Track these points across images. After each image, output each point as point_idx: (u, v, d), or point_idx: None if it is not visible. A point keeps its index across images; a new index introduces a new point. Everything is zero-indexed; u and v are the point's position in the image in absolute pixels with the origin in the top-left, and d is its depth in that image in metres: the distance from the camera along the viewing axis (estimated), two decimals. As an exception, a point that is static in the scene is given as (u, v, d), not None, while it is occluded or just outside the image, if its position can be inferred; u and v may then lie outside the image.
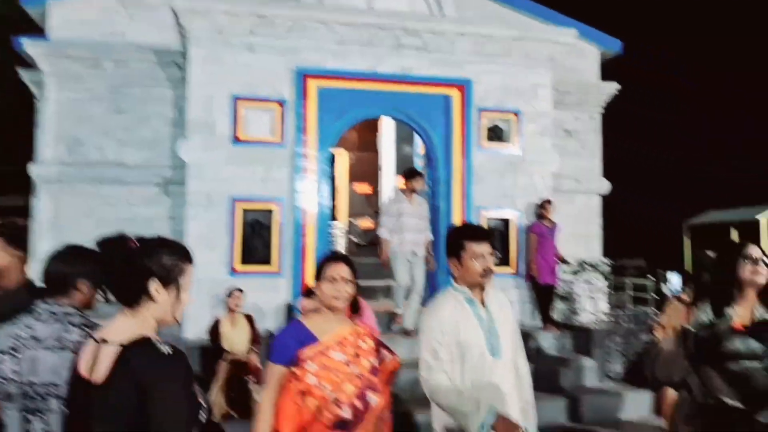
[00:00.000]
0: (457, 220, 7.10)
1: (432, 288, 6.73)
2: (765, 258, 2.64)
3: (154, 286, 1.60)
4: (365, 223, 12.51)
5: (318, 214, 6.95)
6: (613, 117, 9.40)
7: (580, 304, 7.65)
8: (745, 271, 2.61)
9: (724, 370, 1.73)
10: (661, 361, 2.00)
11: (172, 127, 7.62)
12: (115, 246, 1.62)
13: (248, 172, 6.78)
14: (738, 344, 1.75)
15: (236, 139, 6.76)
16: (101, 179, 7.39)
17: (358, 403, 2.32)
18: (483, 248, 2.50)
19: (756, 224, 5.43)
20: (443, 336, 2.43)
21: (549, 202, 7.25)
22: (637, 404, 6.07)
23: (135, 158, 7.54)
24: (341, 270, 2.43)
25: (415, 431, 5.12)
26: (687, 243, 6.20)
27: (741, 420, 1.60)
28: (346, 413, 2.29)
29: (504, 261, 7.31)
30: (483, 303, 2.55)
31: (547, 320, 7.03)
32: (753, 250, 2.69)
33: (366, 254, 11.25)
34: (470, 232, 2.59)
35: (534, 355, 6.65)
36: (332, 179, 12.74)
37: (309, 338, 2.37)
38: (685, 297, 4.29)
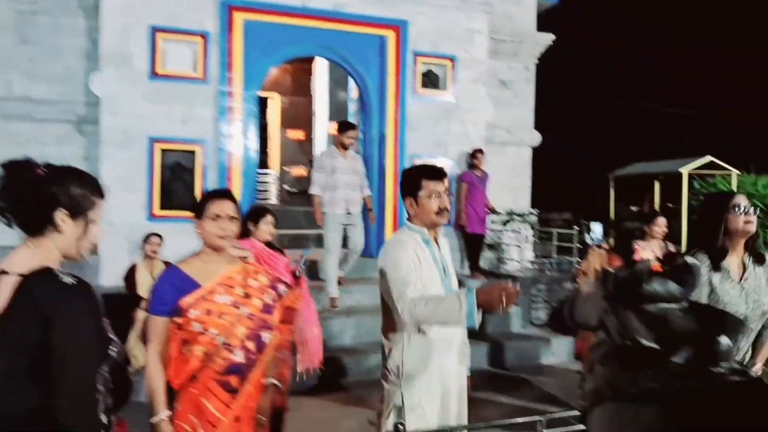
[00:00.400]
0: (390, 168, 6.96)
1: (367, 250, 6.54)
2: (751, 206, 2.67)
3: (61, 216, 1.52)
4: (298, 170, 12.20)
5: (244, 158, 6.63)
6: (547, 68, 9.39)
7: (507, 253, 7.76)
8: (738, 221, 2.64)
9: (642, 312, 1.66)
10: (579, 302, 1.94)
11: (85, 60, 7.01)
12: (21, 171, 1.52)
13: (168, 110, 6.34)
14: (657, 286, 1.69)
15: (154, 74, 6.29)
16: (7, 115, 6.78)
17: (251, 345, 2.23)
18: (439, 187, 2.49)
19: (679, 177, 5.56)
20: (412, 270, 2.40)
21: (481, 151, 7.21)
22: (558, 349, 6.27)
23: (45, 93, 6.93)
24: (226, 207, 2.27)
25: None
26: (612, 194, 6.31)
27: (657, 361, 1.53)
28: (239, 357, 2.19)
29: (436, 210, 7.28)
30: (437, 243, 2.56)
31: (475, 268, 7.09)
32: (741, 200, 2.68)
33: (299, 203, 11.03)
34: (427, 170, 2.55)
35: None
36: (264, 125, 12.32)
37: (189, 285, 2.21)
38: (605, 245, 4.36)
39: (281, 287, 2.45)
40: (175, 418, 2.19)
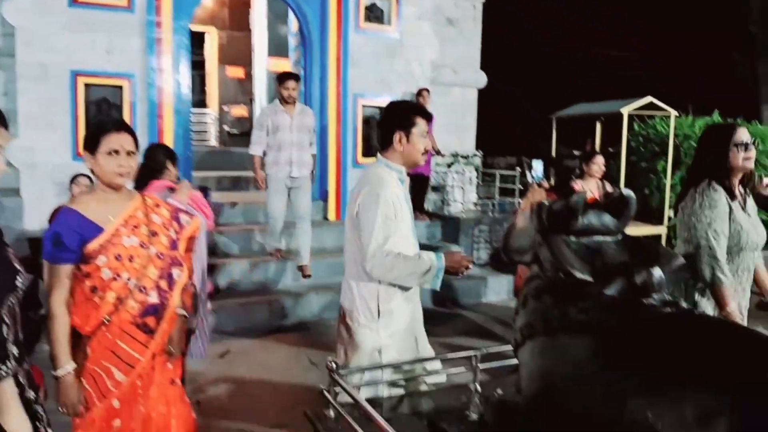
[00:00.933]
0: (332, 107, 6.73)
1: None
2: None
3: None
4: (238, 110, 11.74)
5: (176, 95, 6.25)
6: (493, 8, 9.20)
7: (451, 195, 7.75)
8: (738, 158, 2.58)
9: (576, 244, 1.61)
10: (514, 235, 1.88)
11: (-4, -15, 6.37)
12: None
13: (90, 41, 5.87)
14: (592, 218, 1.63)
15: (74, 1, 5.77)
16: None
17: (164, 284, 2.17)
18: (426, 127, 2.47)
19: (620, 117, 5.60)
20: (393, 218, 2.33)
21: (427, 90, 7.06)
22: (498, 287, 6.38)
23: (-49, 22, 6.29)
24: (124, 140, 2.08)
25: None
26: (554, 135, 6.33)
27: (589, 294, 1.49)
28: (153, 298, 2.13)
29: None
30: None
31: (419, 209, 7.06)
32: (743, 135, 2.59)
33: (239, 144, 10.66)
34: (419, 108, 2.52)
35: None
36: (201, 63, 11.71)
37: (91, 229, 2.05)
38: (545, 183, 4.37)
39: (183, 217, 2.32)
40: (87, 362, 2.08)
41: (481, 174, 8.21)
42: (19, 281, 1.52)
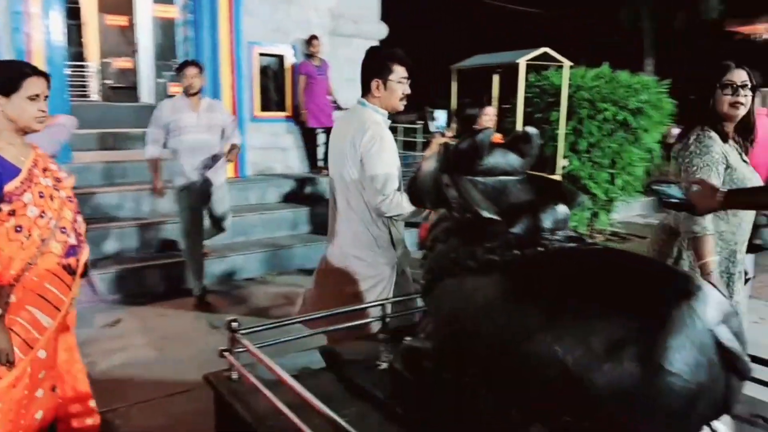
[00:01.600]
0: (225, 57, 6.34)
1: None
2: (749, 81, 2.25)
3: None
4: (121, 62, 10.86)
5: (48, 44, 5.63)
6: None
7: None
8: (724, 104, 2.33)
9: (483, 184, 1.56)
10: (420, 179, 1.81)
11: None
12: None
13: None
14: (498, 157, 1.58)
15: None
16: None
17: (78, 227, 2.29)
18: (406, 72, 2.52)
19: (516, 68, 5.70)
20: (396, 159, 2.50)
21: (316, 38, 6.78)
22: (408, 241, 6.40)
23: None
24: (43, 85, 2.14)
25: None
26: (454, 87, 6.35)
27: (496, 233, 1.44)
28: (72, 240, 2.23)
29: (279, 104, 6.87)
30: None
31: (317, 164, 6.92)
32: (732, 75, 2.31)
33: (123, 98, 9.92)
34: (398, 55, 2.54)
35: (310, 199, 6.59)
36: (77, 11, 10.65)
37: (9, 168, 2.08)
38: (448, 132, 4.38)
39: (62, 173, 2.34)
40: (8, 313, 2.04)
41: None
42: None
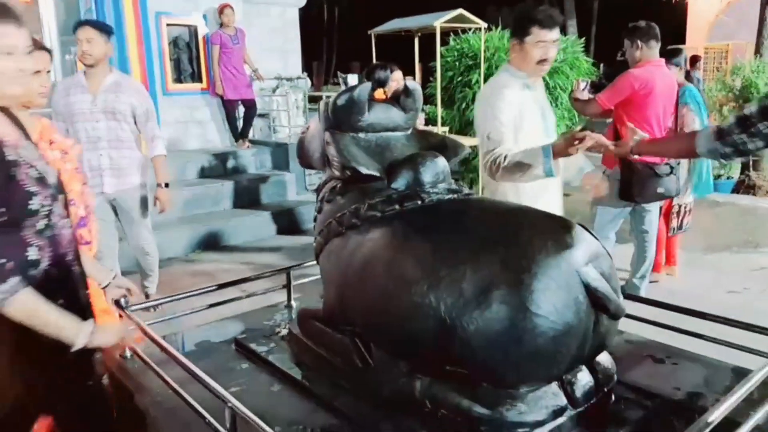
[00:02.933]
0: (130, 28, 6.01)
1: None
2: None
3: None
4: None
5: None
6: None
7: (277, 120, 7.49)
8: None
9: (365, 141, 1.53)
10: (306, 140, 1.77)
11: None
12: None
13: None
14: (378, 113, 1.55)
15: None
16: None
17: (87, 199, 2.30)
18: (550, 36, 2.37)
19: (434, 30, 5.68)
20: (510, 124, 2.33)
21: (228, 6, 6.50)
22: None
23: None
24: (45, 61, 2.17)
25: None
26: (373, 52, 6.27)
27: (377, 190, 1.42)
28: (82, 210, 2.21)
29: (194, 76, 6.61)
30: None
31: (243, 137, 6.74)
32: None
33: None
34: (539, 16, 2.38)
35: (232, 173, 6.44)
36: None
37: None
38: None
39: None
40: None
41: (308, 97, 7.99)
42: (35, 204, 1.39)
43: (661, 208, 4.01)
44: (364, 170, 1.50)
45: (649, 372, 1.60)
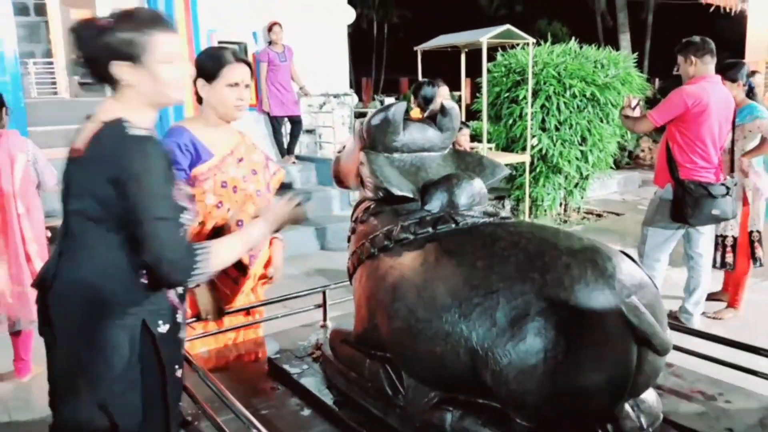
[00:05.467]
0: (183, 46, 6.19)
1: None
2: None
3: (117, 67, 1.36)
4: (89, 58, 10.63)
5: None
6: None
7: (324, 136, 7.55)
8: None
9: (399, 161, 1.50)
10: (342, 157, 1.75)
11: None
12: (83, 28, 1.37)
13: None
14: (414, 133, 1.52)
15: None
16: None
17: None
18: None
19: (481, 46, 5.62)
20: None
21: (277, 24, 6.62)
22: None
23: None
24: (245, 73, 2.01)
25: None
26: (419, 68, 6.26)
27: (410, 211, 1.38)
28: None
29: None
30: None
31: (285, 153, 6.82)
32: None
33: (91, 93, 9.74)
34: None
35: (280, 189, 6.49)
36: (42, 7, 10.45)
37: (202, 151, 1.98)
38: (413, 114, 4.30)
39: (272, 165, 2.23)
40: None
41: (354, 114, 8.04)
42: (186, 218, 1.43)
43: (734, 239, 3.78)
44: (397, 191, 1.46)
45: (698, 410, 1.50)
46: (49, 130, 6.61)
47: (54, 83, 10.48)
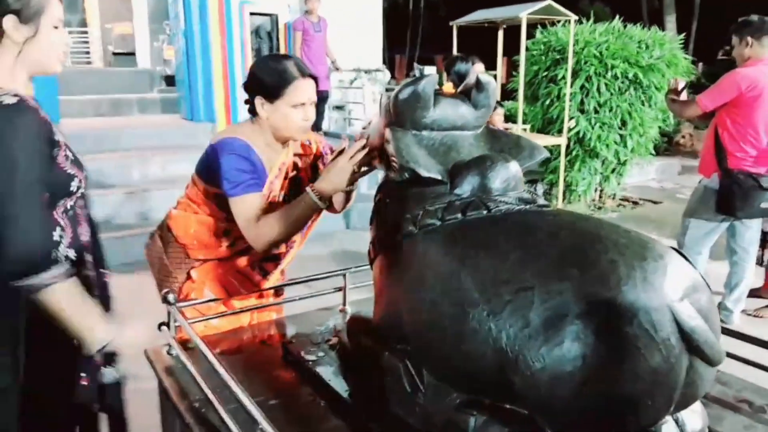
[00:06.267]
0: (213, 16, 6.10)
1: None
2: None
3: (7, 21, 1.30)
4: (121, 28, 10.65)
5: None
6: None
7: (354, 113, 7.42)
8: None
9: (428, 139, 1.37)
10: (368, 134, 1.63)
11: None
12: None
13: None
14: (446, 109, 1.38)
15: None
16: None
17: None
18: None
19: (520, 22, 5.40)
20: None
21: None
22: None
23: None
24: (311, 90, 1.83)
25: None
26: (455, 44, 6.05)
27: (437, 195, 1.26)
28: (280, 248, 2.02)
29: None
30: None
31: (316, 128, 6.70)
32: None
33: (124, 63, 9.78)
34: None
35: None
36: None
37: (261, 171, 1.83)
38: (445, 89, 4.13)
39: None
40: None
41: (386, 90, 7.88)
42: (74, 185, 1.44)
43: None
44: (424, 172, 1.34)
45: (744, 423, 1.36)
46: (81, 99, 6.64)
47: (88, 52, 10.56)
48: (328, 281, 2.12)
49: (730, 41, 3.21)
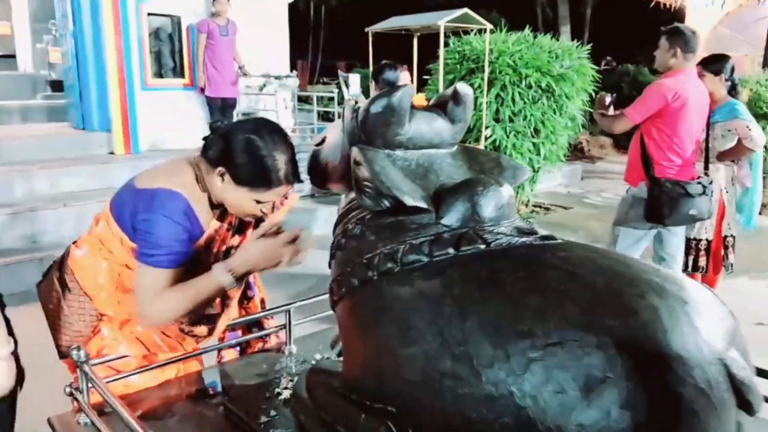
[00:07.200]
0: (108, 17, 5.53)
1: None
2: None
3: None
4: (0, 28, 9.61)
5: None
6: None
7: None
8: None
9: (403, 159, 1.16)
10: (323, 152, 1.39)
11: None
12: None
13: None
14: (421, 124, 1.18)
15: None
16: None
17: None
18: None
19: (435, 31, 5.32)
20: None
21: None
22: (327, 219, 5.97)
23: None
24: (282, 196, 1.63)
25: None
26: (370, 50, 5.89)
27: (424, 225, 1.04)
28: (213, 309, 1.72)
29: (176, 71, 6.16)
30: None
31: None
32: None
33: (2, 67, 8.83)
34: None
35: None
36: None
37: (197, 229, 1.56)
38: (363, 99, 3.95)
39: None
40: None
41: (297, 98, 7.58)
42: None
43: (708, 242, 3.65)
44: (409, 201, 1.13)
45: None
46: None
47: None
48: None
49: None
